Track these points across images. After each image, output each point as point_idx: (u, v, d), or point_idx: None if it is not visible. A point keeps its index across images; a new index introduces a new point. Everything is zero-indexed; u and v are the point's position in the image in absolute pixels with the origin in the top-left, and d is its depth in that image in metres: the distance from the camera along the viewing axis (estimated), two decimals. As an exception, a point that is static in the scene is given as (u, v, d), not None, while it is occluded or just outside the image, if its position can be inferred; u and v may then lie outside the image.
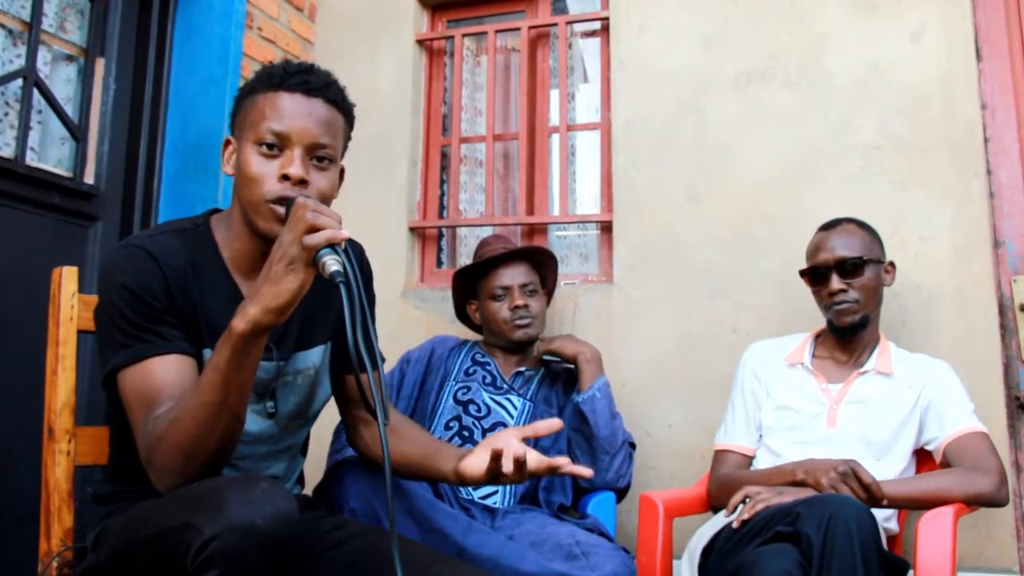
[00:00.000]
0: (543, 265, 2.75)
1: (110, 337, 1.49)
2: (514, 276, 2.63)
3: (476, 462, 1.63)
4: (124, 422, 1.50)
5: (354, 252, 1.64)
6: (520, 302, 2.59)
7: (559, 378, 2.64)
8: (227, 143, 1.65)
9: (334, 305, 1.71)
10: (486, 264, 2.66)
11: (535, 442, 2.48)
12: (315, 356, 1.72)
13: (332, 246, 1.34)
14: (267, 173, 1.53)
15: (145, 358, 1.46)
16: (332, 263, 1.33)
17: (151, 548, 1.33)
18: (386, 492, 1.85)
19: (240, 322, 1.35)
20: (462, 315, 2.82)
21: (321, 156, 1.57)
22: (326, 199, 1.57)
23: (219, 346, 1.38)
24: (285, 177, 1.52)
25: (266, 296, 1.34)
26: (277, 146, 1.54)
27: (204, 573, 1.21)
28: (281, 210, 1.51)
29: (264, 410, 1.64)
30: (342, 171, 1.68)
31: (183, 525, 1.24)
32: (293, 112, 1.55)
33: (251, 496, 1.25)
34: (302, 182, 1.53)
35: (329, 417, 2.14)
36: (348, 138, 1.70)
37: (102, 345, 1.52)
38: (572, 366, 2.60)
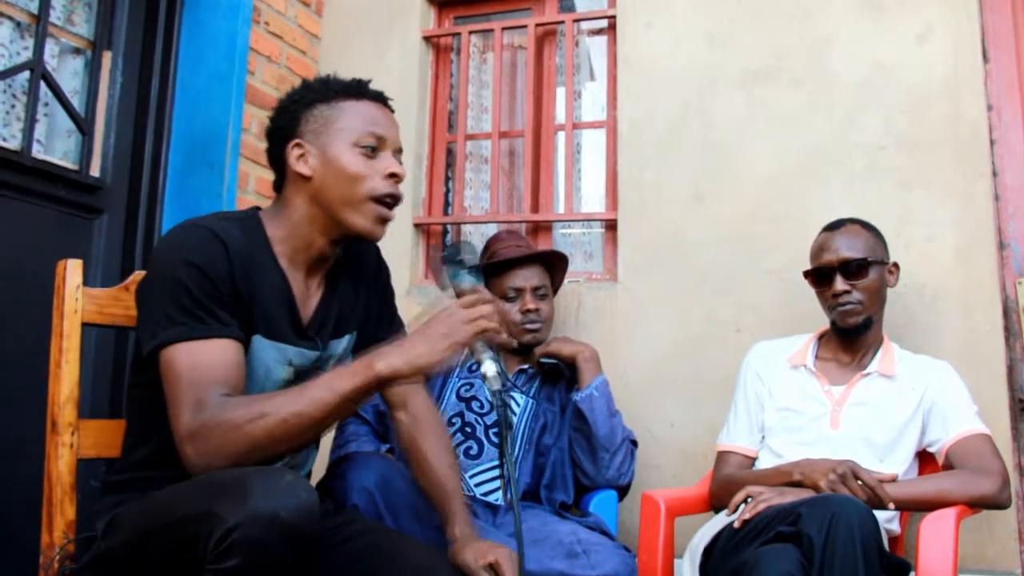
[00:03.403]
0: (555, 267, 2.74)
1: (163, 312, 1.50)
2: (528, 278, 2.62)
3: (471, 564, 1.65)
4: (151, 405, 1.52)
5: (372, 252, 1.89)
6: (532, 306, 2.59)
7: (562, 376, 2.64)
8: (296, 146, 1.69)
9: (362, 299, 1.84)
10: (502, 263, 2.66)
11: (537, 440, 2.50)
12: (342, 344, 1.79)
13: (489, 346, 1.53)
14: (371, 172, 1.66)
15: (203, 337, 1.49)
16: (490, 364, 1.53)
17: (170, 535, 1.34)
18: (389, 490, 1.86)
19: (384, 367, 1.45)
20: None
21: (401, 160, 1.73)
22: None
23: (346, 375, 1.46)
24: (391, 175, 1.67)
25: (418, 352, 1.47)
26: (374, 148, 1.68)
27: (224, 561, 1.22)
28: (384, 211, 1.67)
29: None
30: None
31: (205, 513, 1.25)
32: (385, 120, 1.72)
33: (275, 488, 1.26)
34: (400, 180, 1.70)
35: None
36: None
37: (150, 319, 1.53)
38: (555, 362, 2.61)
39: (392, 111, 1.77)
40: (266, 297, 1.61)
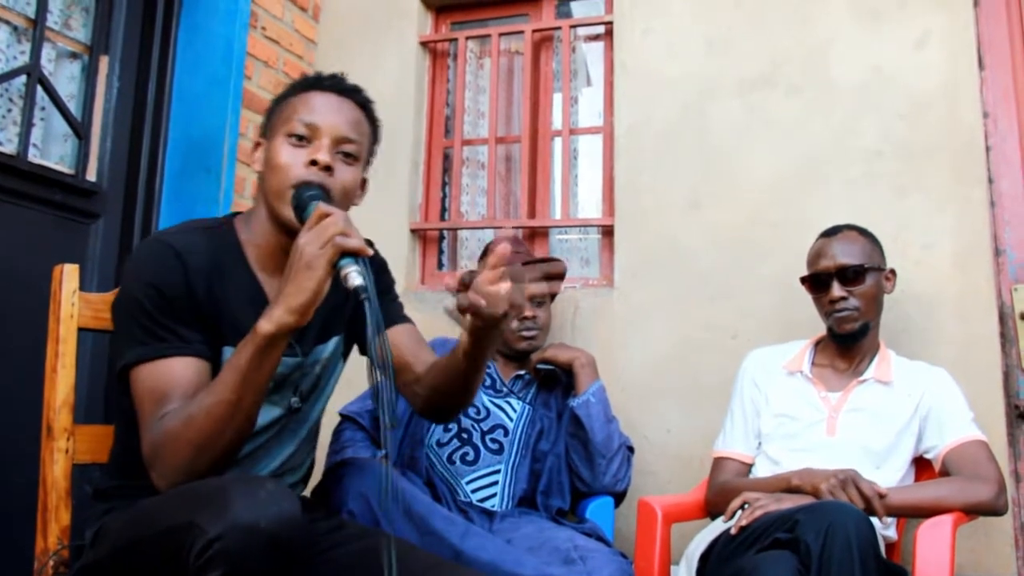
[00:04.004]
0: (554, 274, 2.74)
1: (128, 332, 1.51)
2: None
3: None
4: (133, 417, 1.51)
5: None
6: (528, 313, 2.59)
7: (558, 382, 2.63)
8: (257, 144, 1.71)
9: (352, 299, 1.73)
10: None
11: (533, 446, 2.50)
12: (331, 347, 1.77)
13: (355, 258, 1.40)
14: (295, 160, 1.59)
15: (161, 357, 1.49)
16: (356, 276, 1.38)
17: (153, 546, 1.33)
18: (386, 493, 1.85)
19: (265, 323, 1.40)
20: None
21: (347, 152, 1.65)
22: (348, 194, 1.65)
23: (241, 346, 1.42)
24: (312, 163, 1.58)
25: (288, 296, 1.39)
26: (307, 138, 1.61)
27: (207, 573, 1.21)
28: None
29: (289, 405, 1.68)
30: (365, 182, 1.75)
31: (187, 524, 1.24)
32: (324, 107, 1.64)
33: (256, 497, 1.25)
34: (327, 168, 1.59)
35: (330, 419, 2.14)
36: (372, 151, 1.77)
37: (119, 339, 1.55)
38: (554, 369, 2.61)
39: (356, 101, 1.69)
40: (236, 306, 1.59)
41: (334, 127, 1.62)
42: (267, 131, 1.69)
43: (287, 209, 1.58)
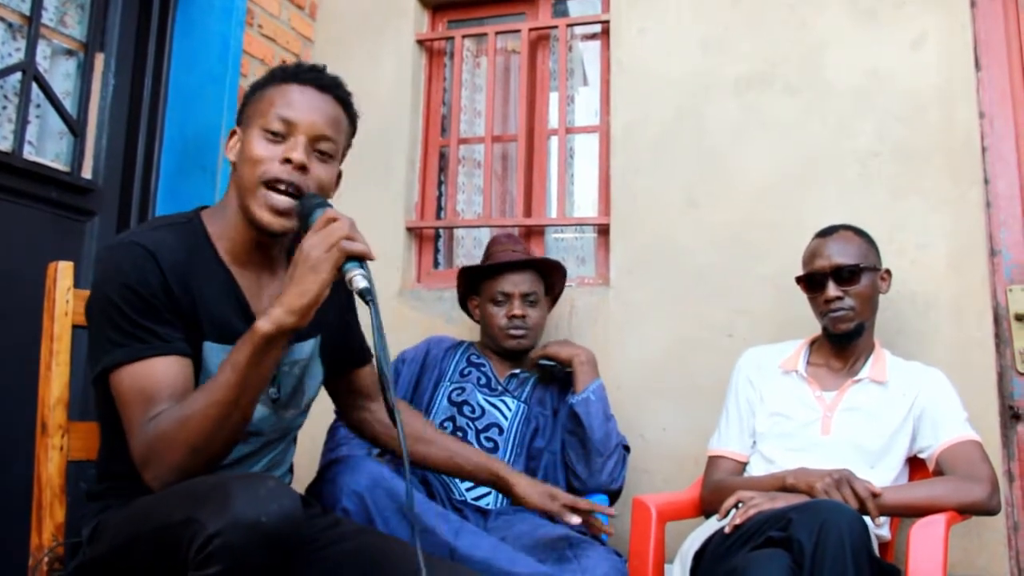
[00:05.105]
0: (550, 273, 2.74)
1: (104, 335, 1.49)
2: (517, 283, 2.62)
3: (535, 495, 1.94)
4: (115, 420, 1.50)
5: None
6: (518, 312, 2.59)
7: (554, 380, 2.63)
8: (232, 133, 1.67)
9: (330, 300, 1.73)
10: (492, 267, 2.66)
11: (529, 444, 2.50)
12: (307, 348, 1.75)
13: (360, 262, 1.42)
14: (269, 156, 1.57)
15: (144, 357, 1.47)
16: (361, 280, 1.41)
17: (152, 542, 1.34)
18: (379, 493, 1.86)
19: (265, 323, 1.40)
20: (464, 307, 2.82)
21: (323, 150, 1.62)
22: (324, 190, 1.62)
23: (239, 346, 1.42)
24: (287, 161, 1.56)
25: (291, 297, 1.40)
26: (282, 134, 1.58)
27: (206, 568, 1.21)
28: (272, 197, 1.55)
29: (268, 396, 1.65)
30: (339, 174, 1.72)
31: (186, 520, 1.25)
32: (302, 103, 1.60)
33: (257, 494, 1.26)
34: (302, 168, 1.57)
35: (325, 416, 2.14)
36: (349, 144, 1.74)
37: (95, 342, 1.52)
38: (568, 370, 2.60)
39: (336, 96, 1.66)
40: (212, 301, 1.57)
41: (311, 125, 1.59)
42: (243, 120, 1.65)
43: (255, 205, 1.56)
